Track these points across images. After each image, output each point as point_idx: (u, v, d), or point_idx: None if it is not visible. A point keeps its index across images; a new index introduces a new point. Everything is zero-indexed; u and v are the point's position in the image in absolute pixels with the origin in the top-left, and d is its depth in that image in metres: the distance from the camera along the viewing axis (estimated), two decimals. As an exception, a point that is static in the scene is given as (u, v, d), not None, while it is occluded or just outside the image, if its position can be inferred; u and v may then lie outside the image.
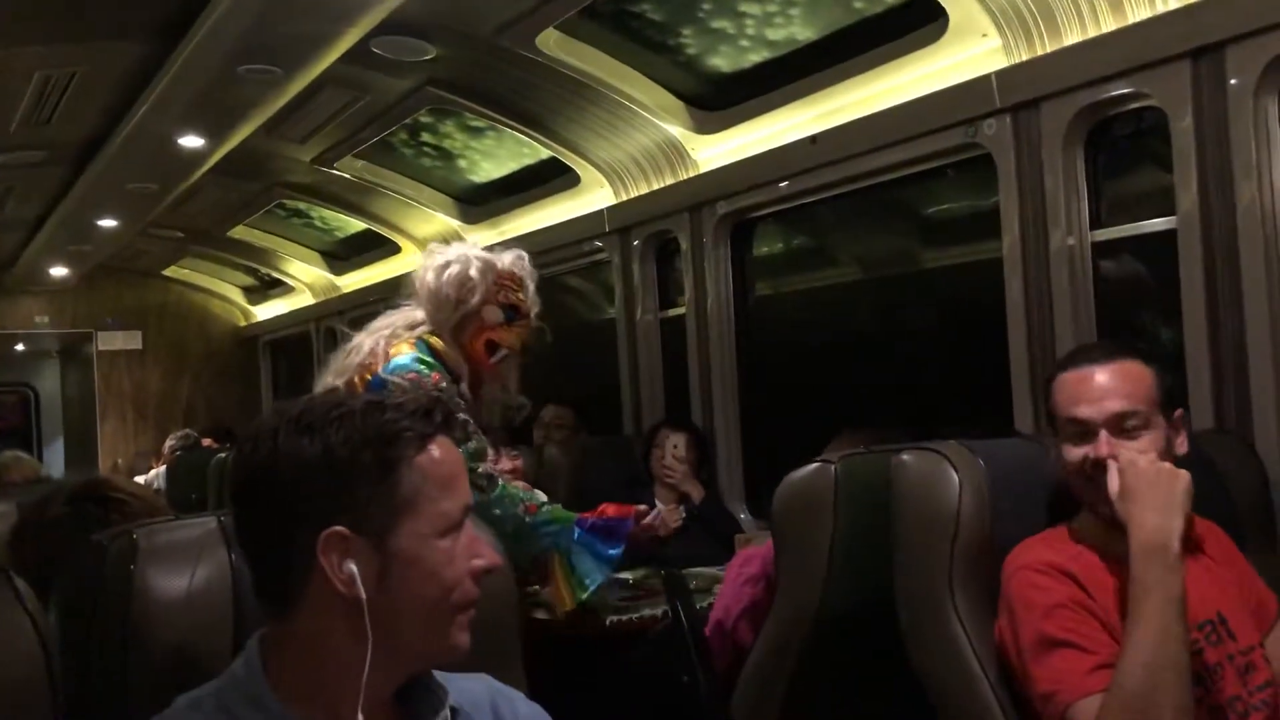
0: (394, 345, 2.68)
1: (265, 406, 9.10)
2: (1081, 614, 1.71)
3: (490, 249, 2.80)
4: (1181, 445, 1.82)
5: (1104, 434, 1.76)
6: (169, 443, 7.39)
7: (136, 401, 9.10)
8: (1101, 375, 1.80)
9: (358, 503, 1.12)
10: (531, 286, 2.78)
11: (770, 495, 2.23)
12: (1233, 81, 2.48)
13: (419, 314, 2.75)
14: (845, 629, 2.13)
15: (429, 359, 2.67)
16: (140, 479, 7.25)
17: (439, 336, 2.73)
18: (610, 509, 2.82)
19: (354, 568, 1.11)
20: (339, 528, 1.11)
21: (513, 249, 2.81)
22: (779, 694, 2.18)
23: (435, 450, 1.17)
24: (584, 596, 2.72)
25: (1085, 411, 1.79)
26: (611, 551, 2.74)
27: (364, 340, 2.70)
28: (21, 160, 5.47)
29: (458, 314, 2.67)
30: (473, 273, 2.67)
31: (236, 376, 9.28)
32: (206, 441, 7.41)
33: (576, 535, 2.72)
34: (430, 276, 2.72)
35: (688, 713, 2.56)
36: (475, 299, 2.65)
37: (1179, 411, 1.83)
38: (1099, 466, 1.75)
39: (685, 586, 2.76)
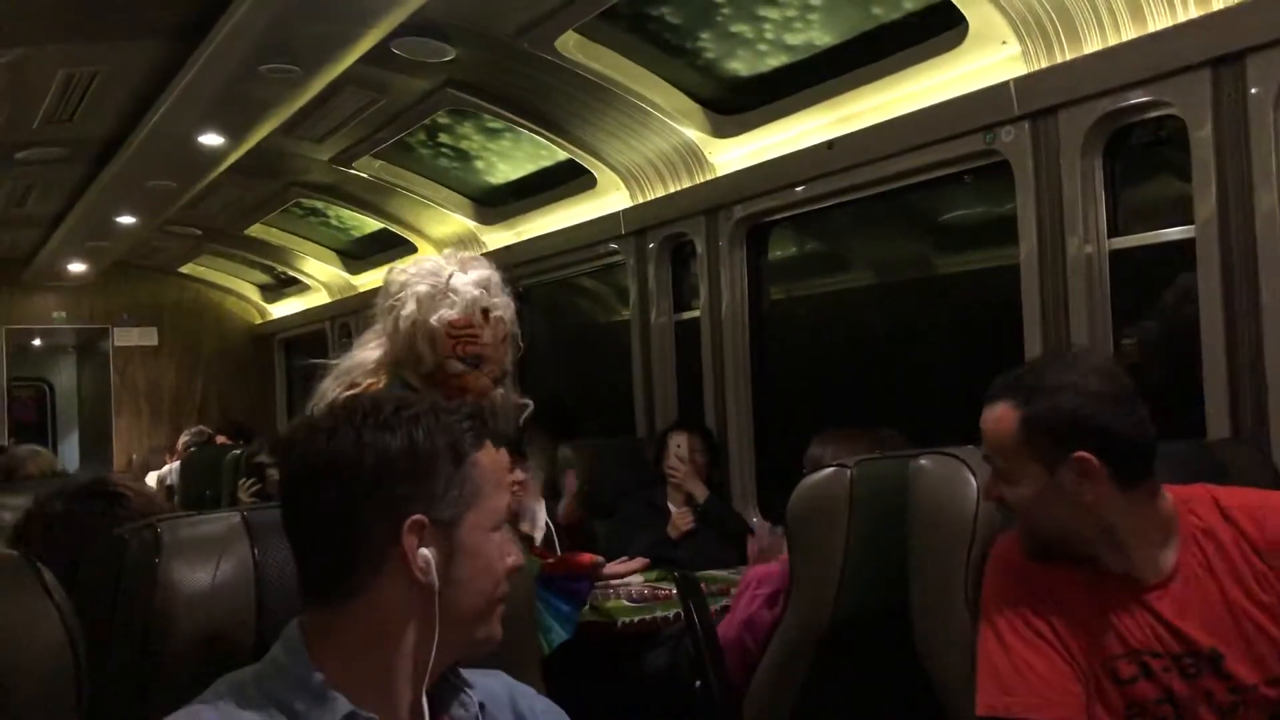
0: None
1: (279, 404, 9.15)
2: (1029, 626, 1.70)
3: (448, 275, 2.40)
4: (1088, 492, 1.66)
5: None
6: (183, 438, 7.43)
7: (151, 397, 9.15)
8: (984, 419, 1.77)
9: (435, 493, 1.19)
10: (500, 309, 2.43)
11: (782, 498, 2.23)
12: (1253, 91, 2.48)
13: (373, 353, 2.45)
14: (859, 632, 2.13)
15: None
16: (154, 474, 7.30)
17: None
18: (572, 560, 2.79)
19: (430, 555, 1.17)
20: (419, 515, 1.17)
21: (475, 267, 2.43)
22: (792, 696, 2.18)
23: (489, 450, 1.24)
24: (546, 652, 2.58)
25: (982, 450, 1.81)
26: (567, 609, 2.70)
27: (329, 387, 2.45)
28: (43, 157, 5.51)
29: (420, 367, 2.40)
30: (419, 342, 2.37)
31: (251, 374, 9.32)
32: (220, 439, 7.44)
33: (537, 590, 2.59)
34: (388, 323, 2.43)
35: (699, 714, 2.56)
36: (430, 360, 2.37)
37: (1075, 456, 1.66)
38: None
39: (697, 588, 2.76)
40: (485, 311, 2.39)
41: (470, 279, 2.39)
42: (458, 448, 1.21)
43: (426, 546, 1.17)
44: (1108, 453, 1.66)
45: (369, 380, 2.40)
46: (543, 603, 2.61)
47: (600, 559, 2.87)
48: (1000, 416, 1.72)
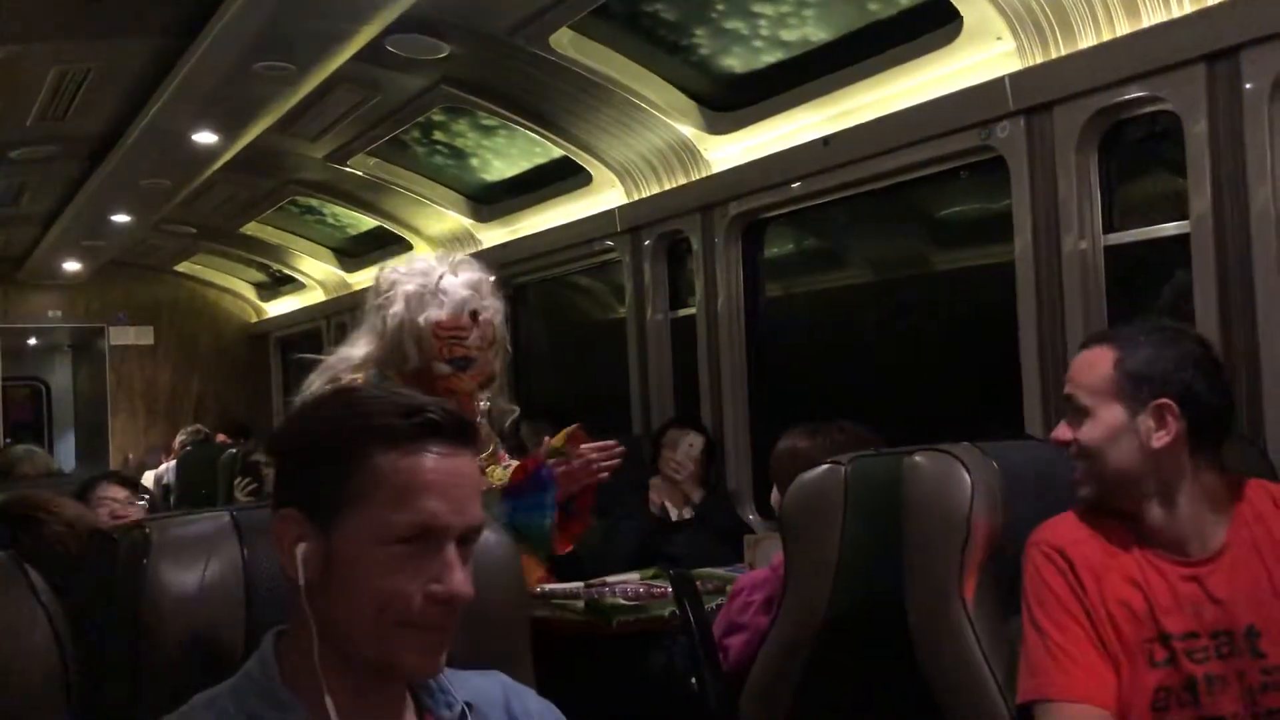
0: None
1: (275, 403, 9.15)
2: (1064, 615, 1.71)
3: (438, 276, 2.39)
4: (1160, 438, 1.72)
5: (1064, 420, 1.81)
6: (179, 438, 7.43)
7: (147, 396, 9.14)
8: (1077, 359, 1.85)
9: (311, 488, 1.13)
10: (489, 312, 2.41)
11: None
12: (1247, 86, 2.48)
13: (360, 349, 2.44)
14: (854, 630, 2.13)
15: None
16: (150, 474, 7.29)
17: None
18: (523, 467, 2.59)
19: (300, 551, 1.11)
20: (291, 509, 1.13)
21: (465, 269, 2.42)
22: (787, 694, 2.18)
23: (405, 457, 1.11)
24: (543, 555, 2.55)
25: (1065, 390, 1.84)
26: (545, 497, 2.49)
27: (313, 380, 2.44)
28: (36, 155, 5.51)
29: (405, 367, 2.38)
30: (405, 341, 2.36)
31: (247, 373, 9.31)
32: (220, 437, 7.44)
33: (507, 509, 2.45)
34: (376, 321, 2.42)
35: (696, 713, 2.56)
36: (415, 360, 2.36)
37: (1157, 402, 1.73)
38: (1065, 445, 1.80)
39: (693, 587, 2.75)
40: (474, 314, 2.38)
41: (460, 280, 2.38)
42: (349, 444, 1.11)
43: (304, 541, 1.11)
44: (1188, 409, 1.73)
45: (351, 375, 2.38)
46: (521, 526, 2.43)
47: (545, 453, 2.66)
48: (1096, 359, 1.80)
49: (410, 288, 2.37)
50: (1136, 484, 1.75)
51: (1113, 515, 1.79)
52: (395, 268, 2.46)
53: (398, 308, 2.36)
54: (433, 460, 1.11)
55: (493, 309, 2.42)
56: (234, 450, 5.88)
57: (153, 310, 9.18)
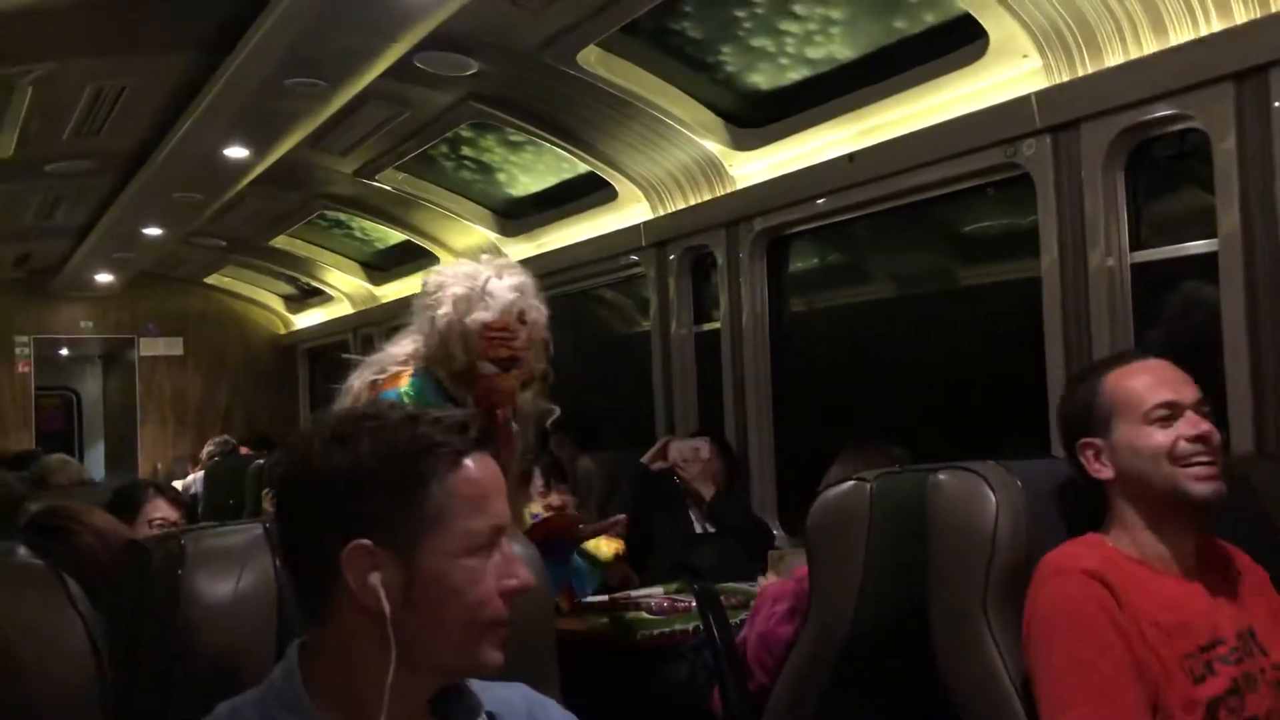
0: (385, 383, 2.45)
1: (302, 415, 9.21)
2: (1108, 643, 1.70)
3: (484, 279, 2.44)
4: None
5: (1192, 413, 1.78)
6: (207, 448, 7.48)
7: (176, 407, 9.22)
8: (1169, 366, 1.85)
9: (382, 516, 1.12)
10: (534, 314, 2.47)
11: (803, 511, 2.23)
12: (1276, 104, 2.47)
13: (405, 347, 2.51)
14: (878, 645, 2.13)
15: (422, 393, 2.41)
16: (178, 484, 7.35)
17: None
18: (547, 524, 2.78)
19: (378, 581, 1.11)
20: (363, 540, 1.11)
21: (511, 273, 2.48)
22: (810, 709, 2.18)
23: (469, 468, 1.15)
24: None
25: (1172, 394, 1.80)
26: (559, 569, 2.69)
27: (353, 382, 2.49)
28: (72, 170, 5.58)
29: (452, 366, 2.44)
30: (453, 342, 2.41)
31: (274, 384, 9.38)
32: (244, 450, 7.49)
33: None
34: (423, 322, 2.48)
35: (719, 728, 2.56)
36: (461, 360, 2.41)
37: None
38: (1200, 441, 1.76)
39: (717, 600, 2.76)
40: (520, 315, 2.44)
41: (506, 284, 2.44)
42: (416, 467, 1.13)
43: (378, 570, 1.11)
44: None
45: (397, 367, 2.45)
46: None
47: (570, 512, 2.91)
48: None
49: (458, 290, 2.42)
50: None
51: (1140, 528, 1.80)
52: (442, 270, 2.53)
53: (445, 309, 2.41)
54: (487, 467, 1.18)
55: (537, 311, 2.48)
56: (261, 462, 5.91)
57: (182, 322, 9.26)
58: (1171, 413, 1.78)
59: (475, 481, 1.16)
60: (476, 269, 2.46)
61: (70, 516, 1.94)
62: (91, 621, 1.25)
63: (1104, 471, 1.83)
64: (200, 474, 7.16)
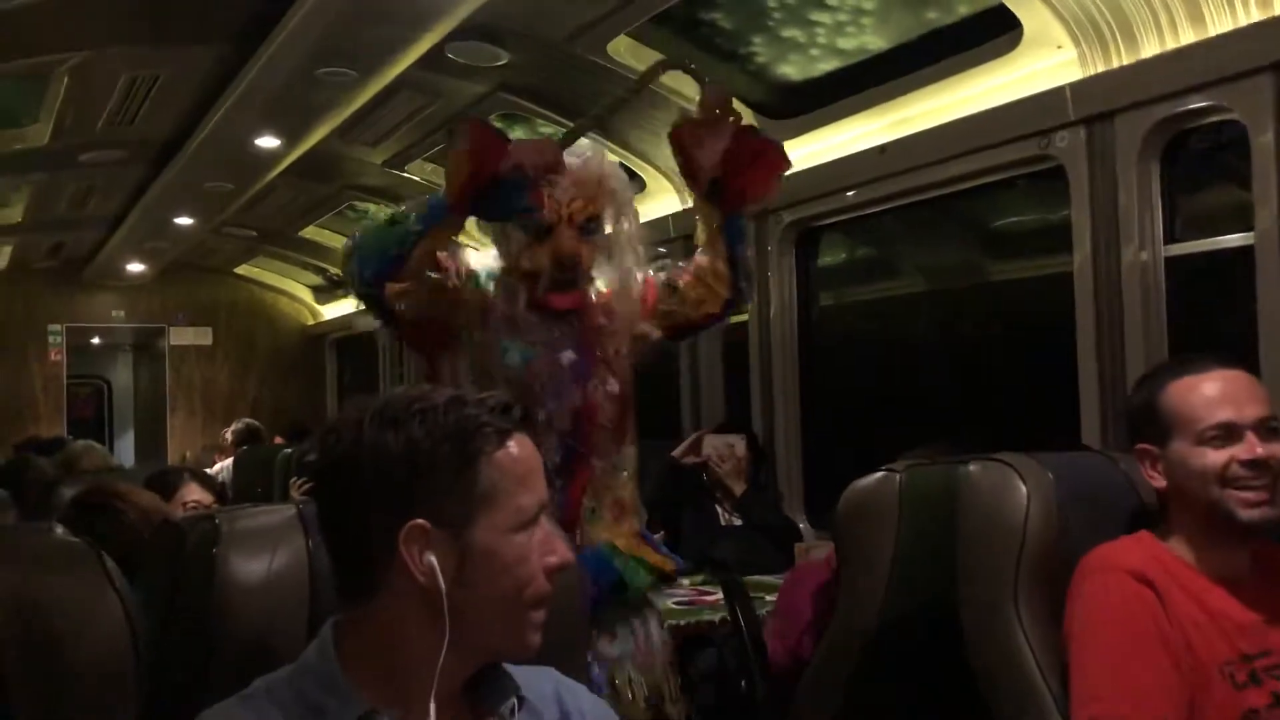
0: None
1: (330, 405, 9.27)
2: (1153, 647, 1.69)
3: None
4: None
5: (1252, 435, 1.72)
6: (231, 429, 7.46)
7: (206, 396, 9.30)
8: (1237, 380, 1.78)
9: (437, 495, 1.14)
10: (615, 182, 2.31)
11: (830, 505, 2.22)
12: (1315, 96, 2.44)
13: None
14: (907, 637, 2.12)
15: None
16: (207, 472, 7.40)
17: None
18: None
19: (434, 559, 1.13)
20: (420, 520, 1.13)
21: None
22: (838, 699, 2.17)
23: (514, 446, 1.18)
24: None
25: (1231, 414, 1.74)
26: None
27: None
28: (105, 159, 5.63)
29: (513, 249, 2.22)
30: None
31: (302, 374, 9.44)
32: (277, 439, 7.50)
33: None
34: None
35: (744, 714, 2.56)
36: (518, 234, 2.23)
37: None
38: (1254, 466, 1.71)
39: (744, 591, 2.76)
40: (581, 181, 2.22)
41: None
42: (467, 446, 1.15)
43: (432, 549, 1.13)
44: None
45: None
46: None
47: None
48: (1255, 380, 1.79)
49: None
50: None
51: (1191, 538, 1.78)
52: None
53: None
54: (528, 445, 1.20)
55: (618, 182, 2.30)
56: (290, 451, 5.94)
57: (212, 311, 9.34)
58: (1229, 433, 1.73)
59: (521, 459, 1.18)
60: None
61: (116, 494, 1.98)
62: (128, 600, 1.27)
63: (1157, 480, 1.80)
64: (229, 461, 7.21)
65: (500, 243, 2.27)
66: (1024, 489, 1.90)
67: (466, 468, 1.15)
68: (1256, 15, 2.53)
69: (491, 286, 2.25)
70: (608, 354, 2.28)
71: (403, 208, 2.15)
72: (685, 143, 2.30)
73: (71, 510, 1.96)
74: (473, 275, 2.24)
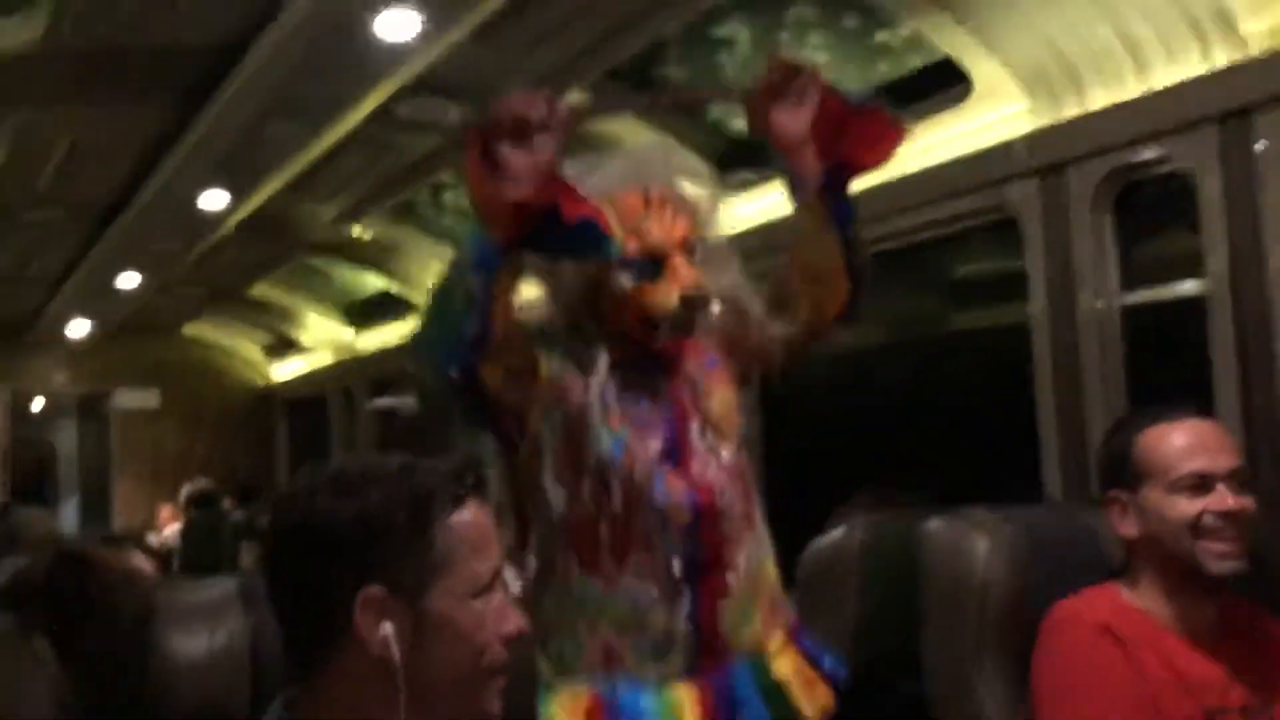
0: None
1: (280, 468, 9.13)
2: (1120, 705, 1.67)
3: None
4: None
5: (1224, 486, 1.73)
6: (185, 490, 7.32)
7: (153, 460, 9.12)
8: (1210, 430, 1.79)
9: (393, 562, 1.13)
10: (685, 192, 1.77)
11: (790, 562, 2.19)
12: (1258, 146, 2.47)
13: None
14: (870, 696, 2.09)
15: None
16: (154, 537, 7.24)
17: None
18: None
19: (390, 628, 1.11)
20: (375, 588, 1.12)
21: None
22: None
23: (468, 512, 1.18)
24: None
25: (1204, 464, 1.74)
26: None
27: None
28: (47, 218, 5.56)
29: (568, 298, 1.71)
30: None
31: (253, 436, 9.30)
32: (228, 501, 7.38)
33: None
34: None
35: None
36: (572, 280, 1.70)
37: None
38: (1226, 518, 1.71)
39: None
40: (648, 192, 1.73)
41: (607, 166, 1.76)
42: (422, 513, 1.14)
43: (388, 619, 1.12)
44: None
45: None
46: None
47: None
48: (1226, 435, 1.81)
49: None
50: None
51: (1158, 589, 1.77)
52: None
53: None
54: (482, 511, 1.19)
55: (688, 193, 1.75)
56: (240, 516, 5.84)
57: (159, 373, 9.18)
58: (1202, 483, 1.73)
59: (476, 525, 1.18)
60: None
61: (97, 556, 1.92)
62: (59, 680, 1.22)
63: (1129, 529, 1.80)
64: (177, 526, 7.06)
65: (548, 284, 1.76)
66: (986, 545, 1.90)
67: (422, 534, 1.14)
68: (1201, 68, 2.58)
69: (547, 347, 1.72)
70: (712, 415, 1.80)
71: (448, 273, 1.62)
72: (766, 109, 1.80)
73: (51, 574, 1.89)
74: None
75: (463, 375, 1.55)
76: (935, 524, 1.99)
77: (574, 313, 1.73)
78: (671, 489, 1.69)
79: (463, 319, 1.52)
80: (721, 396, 1.81)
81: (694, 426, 1.75)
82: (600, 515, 1.65)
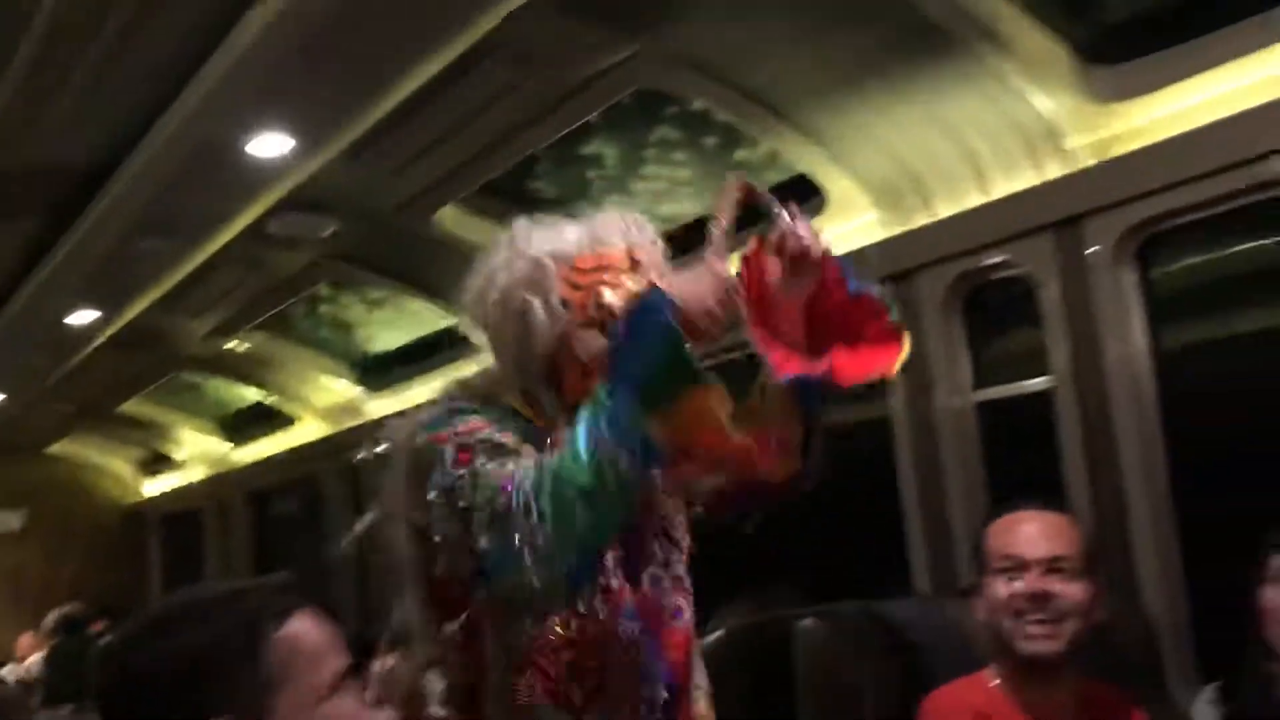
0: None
1: (154, 586, 8.76)
2: None
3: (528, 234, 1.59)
4: (1099, 612, 1.84)
5: (1035, 570, 1.81)
6: (50, 618, 6.97)
7: (16, 585, 8.65)
8: (1038, 520, 1.87)
9: (230, 692, 1.10)
10: (650, 250, 1.55)
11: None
12: (1088, 252, 2.64)
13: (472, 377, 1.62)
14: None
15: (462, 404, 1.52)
16: (16, 668, 6.85)
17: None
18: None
19: None
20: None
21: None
22: None
23: (295, 623, 1.16)
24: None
25: (1020, 549, 1.83)
26: None
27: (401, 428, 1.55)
28: (-96, 338, 5.34)
29: (527, 372, 1.52)
30: (517, 326, 1.52)
31: (125, 554, 8.91)
32: (96, 625, 7.03)
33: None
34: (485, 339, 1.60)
35: None
36: (542, 340, 1.50)
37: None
38: (1033, 600, 1.79)
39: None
40: (632, 255, 1.53)
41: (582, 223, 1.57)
42: (250, 636, 1.13)
43: None
44: None
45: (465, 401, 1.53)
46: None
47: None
48: (1068, 524, 1.89)
49: (499, 259, 1.58)
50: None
51: (1006, 674, 1.83)
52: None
53: (496, 292, 1.56)
54: (310, 620, 1.17)
55: (654, 253, 1.54)
56: (109, 640, 5.57)
57: (23, 493, 8.77)
58: (1015, 566, 1.82)
59: (305, 634, 1.16)
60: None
61: None
62: None
63: (979, 614, 1.87)
64: (40, 655, 6.71)
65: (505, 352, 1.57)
66: (859, 642, 1.94)
67: (253, 656, 1.12)
68: (1034, 179, 2.75)
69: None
70: (668, 517, 1.66)
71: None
72: (763, 274, 1.47)
73: None
74: None
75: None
76: (808, 623, 2.02)
77: (528, 380, 1.54)
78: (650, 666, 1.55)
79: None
80: (674, 501, 1.67)
81: (649, 532, 1.61)
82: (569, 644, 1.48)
